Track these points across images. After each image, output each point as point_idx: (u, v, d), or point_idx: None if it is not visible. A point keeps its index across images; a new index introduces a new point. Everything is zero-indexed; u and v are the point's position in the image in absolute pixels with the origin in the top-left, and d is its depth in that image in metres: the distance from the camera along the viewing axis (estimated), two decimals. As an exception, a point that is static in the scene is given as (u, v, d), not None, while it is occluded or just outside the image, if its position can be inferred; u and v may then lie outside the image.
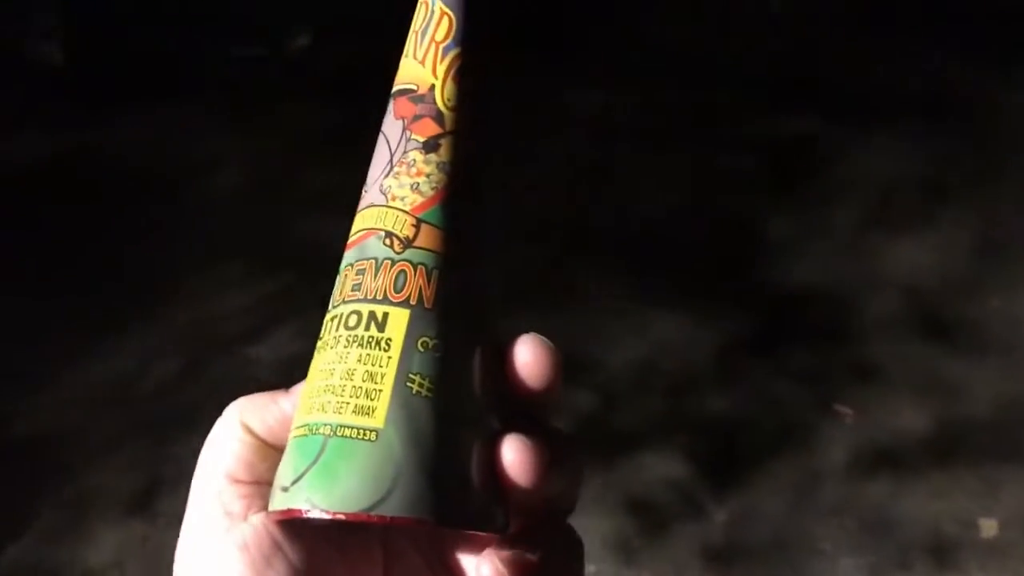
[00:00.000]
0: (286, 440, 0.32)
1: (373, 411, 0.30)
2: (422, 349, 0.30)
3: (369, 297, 0.31)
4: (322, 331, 0.32)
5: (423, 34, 0.33)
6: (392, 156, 0.32)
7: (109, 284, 1.79)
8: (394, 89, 0.34)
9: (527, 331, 0.32)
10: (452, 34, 0.33)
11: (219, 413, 0.33)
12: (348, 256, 0.32)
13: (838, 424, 1.41)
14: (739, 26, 2.26)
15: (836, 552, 1.26)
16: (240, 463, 0.33)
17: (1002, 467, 1.33)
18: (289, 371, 1.55)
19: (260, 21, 2.19)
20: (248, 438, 0.33)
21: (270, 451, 0.33)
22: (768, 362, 1.51)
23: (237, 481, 0.32)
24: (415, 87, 0.33)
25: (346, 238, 0.32)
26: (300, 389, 0.32)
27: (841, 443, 1.39)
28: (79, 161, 2.15)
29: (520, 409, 0.32)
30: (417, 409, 0.30)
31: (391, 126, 0.33)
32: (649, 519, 1.31)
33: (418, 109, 0.33)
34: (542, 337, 0.33)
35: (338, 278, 0.32)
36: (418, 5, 0.34)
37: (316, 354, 0.31)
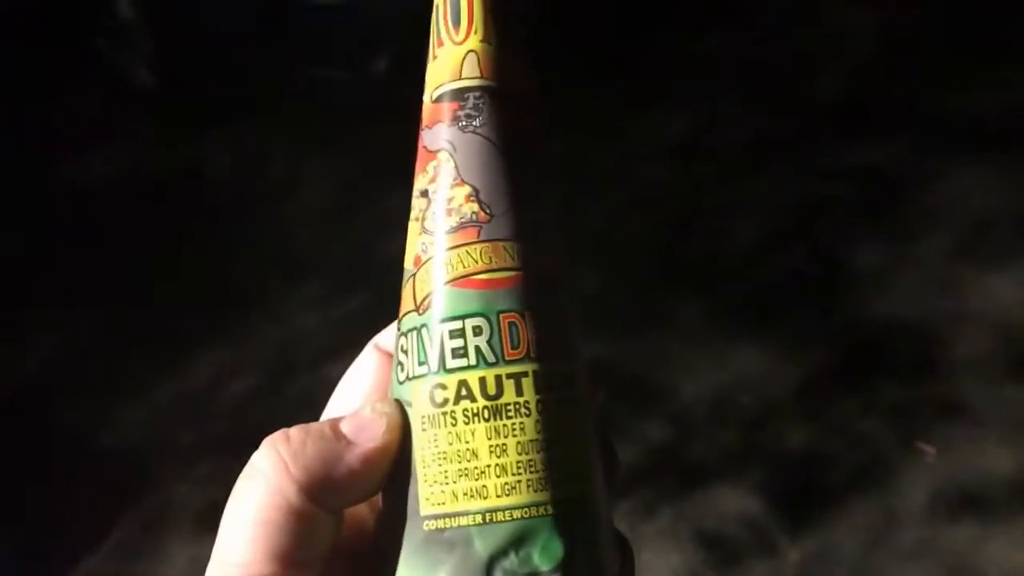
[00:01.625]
0: (348, 498, 0.28)
1: (588, 480, 0.28)
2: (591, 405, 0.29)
3: (560, 356, 0.28)
4: (487, 388, 0.27)
5: (503, 14, 0.29)
6: (525, 180, 0.28)
7: (191, 301, 1.84)
8: (487, 84, 0.29)
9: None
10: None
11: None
12: (505, 299, 0.28)
13: (920, 463, 1.37)
14: (828, 49, 2.23)
15: (915, 597, 1.22)
16: (295, 539, 0.26)
17: (1094, 514, 1.28)
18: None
19: (341, 45, 2.23)
20: (307, 507, 0.26)
21: (330, 521, 0.27)
22: (850, 397, 1.48)
23: (290, 564, 0.26)
24: (521, 90, 0.29)
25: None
26: (368, 441, 0.27)
27: (923, 483, 1.34)
28: (164, 180, 2.20)
29: None
30: (599, 474, 0.29)
31: (507, 138, 0.28)
32: (720, 554, 1.29)
33: (533, 124, 0.29)
34: None
35: (487, 322, 0.27)
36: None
37: (503, 420, 0.27)
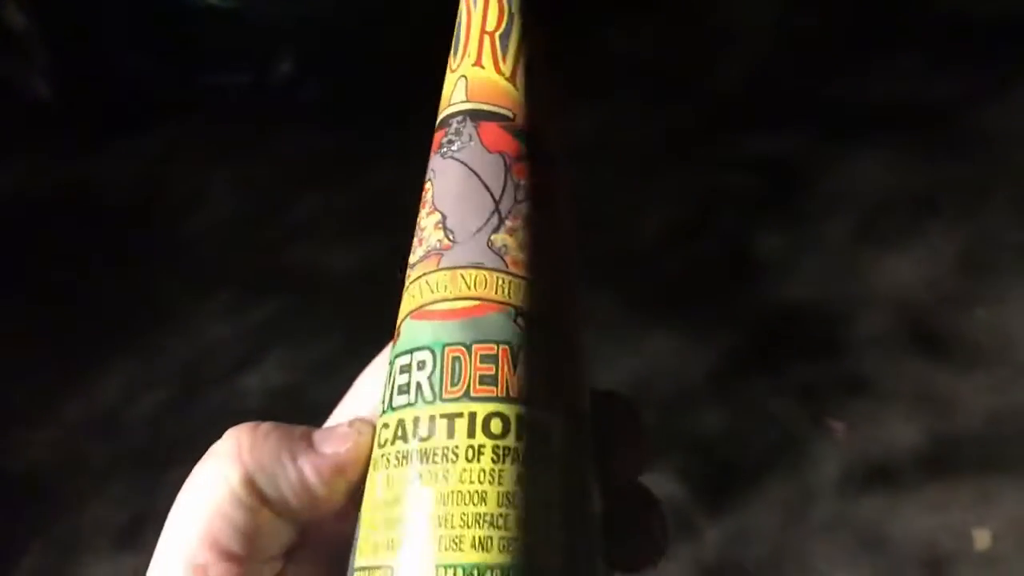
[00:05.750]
0: (294, 505, 0.25)
1: (533, 552, 0.23)
2: (581, 467, 0.25)
3: (514, 397, 0.24)
4: (420, 428, 0.24)
5: (502, 37, 0.27)
6: (498, 204, 0.26)
7: (97, 316, 1.79)
8: (471, 107, 0.27)
9: None
10: (505, 20, 0.27)
11: (207, 444, 0.26)
12: (452, 331, 0.24)
13: (830, 439, 1.41)
14: (724, 41, 2.27)
15: (831, 569, 1.25)
16: (233, 530, 0.24)
17: (994, 477, 1.33)
18: (279, 400, 1.55)
19: (242, 48, 2.20)
20: (249, 499, 0.25)
21: (277, 523, 0.25)
22: (760, 378, 1.51)
23: (224, 554, 0.24)
24: (509, 112, 0.27)
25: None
26: (329, 452, 0.25)
27: (834, 459, 1.38)
28: (65, 193, 2.14)
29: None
30: (563, 547, 0.24)
31: (484, 161, 0.26)
32: (643, 539, 1.30)
33: (519, 146, 0.27)
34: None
35: (431, 356, 0.24)
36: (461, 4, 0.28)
37: (428, 464, 0.23)
